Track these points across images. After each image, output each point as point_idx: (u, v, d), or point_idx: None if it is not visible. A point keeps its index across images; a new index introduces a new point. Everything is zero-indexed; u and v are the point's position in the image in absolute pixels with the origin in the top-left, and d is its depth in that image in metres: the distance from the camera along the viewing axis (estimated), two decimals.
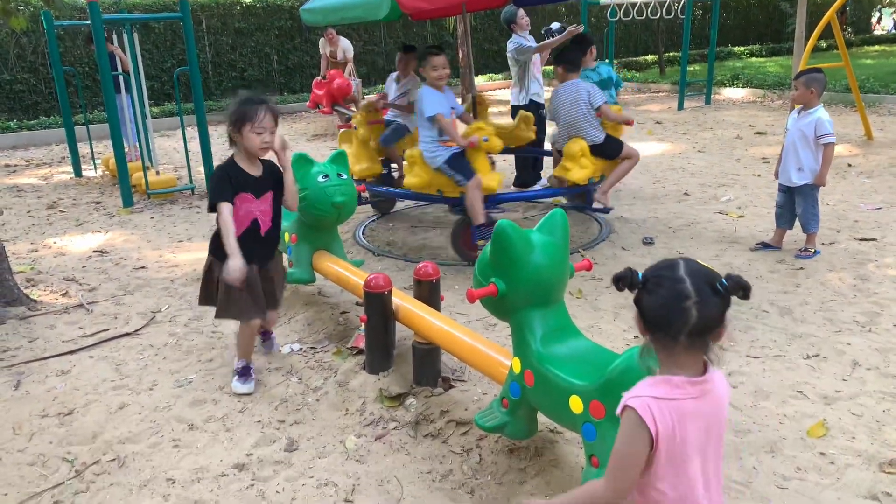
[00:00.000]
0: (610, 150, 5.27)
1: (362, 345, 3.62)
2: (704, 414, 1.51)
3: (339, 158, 4.01)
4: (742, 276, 1.49)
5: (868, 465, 2.62)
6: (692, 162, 8.20)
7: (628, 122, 5.37)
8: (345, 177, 3.93)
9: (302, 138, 11.38)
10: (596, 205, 5.59)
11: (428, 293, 3.42)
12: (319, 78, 11.18)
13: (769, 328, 3.81)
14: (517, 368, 2.45)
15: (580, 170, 5.10)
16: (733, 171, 7.65)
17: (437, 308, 3.46)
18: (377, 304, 3.28)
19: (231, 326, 4.08)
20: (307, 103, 11.62)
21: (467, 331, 3.03)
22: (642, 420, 1.46)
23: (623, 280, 1.53)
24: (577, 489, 1.69)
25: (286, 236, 4.14)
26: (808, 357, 3.47)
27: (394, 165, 6.33)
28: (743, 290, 1.47)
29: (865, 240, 5.22)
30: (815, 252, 4.89)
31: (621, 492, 1.51)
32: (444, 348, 3.07)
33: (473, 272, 2.58)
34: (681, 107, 12.35)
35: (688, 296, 1.45)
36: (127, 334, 4.00)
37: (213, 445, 2.91)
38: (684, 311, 1.44)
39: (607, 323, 3.97)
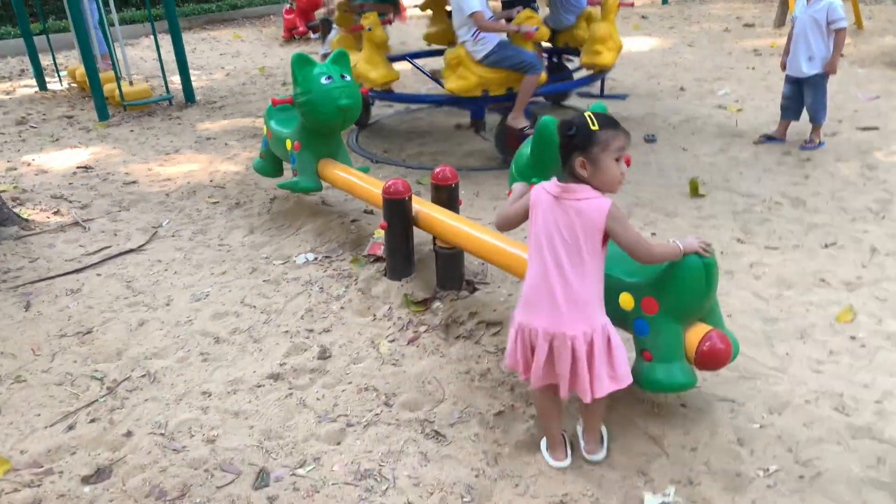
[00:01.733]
0: None
1: (380, 251, 3.55)
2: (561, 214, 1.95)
3: (341, 59, 3.80)
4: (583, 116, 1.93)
5: None
6: (684, 56, 8.03)
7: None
8: (348, 78, 3.74)
9: (275, 43, 10.88)
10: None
11: (447, 197, 3.33)
12: (287, 6, 10.76)
13: (784, 219, 3.81)
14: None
15: (608, 52, 4.96)
16: (727, 65, 7.51)
17: (457, 212, 3.39)
18: (398, 210, 3.19)
19: (238, 238, 3.97)
20: (282, 33, 11.09)
21: (491, 232, 2.97)
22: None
23: (561, 128, 1.96)
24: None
25: (288, 143, 3.98)
26: (826, 246, 3.49)
27: None
28: (577, 128, 1.91)
29: (868, 129, 5.20)
30: (820, 143, 4.87)
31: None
32: (470, 251, 3.01)
33: (509, 171, 2.49)
34: (665, 0, 11.99)
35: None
36: (131, 250, 3.87)
37: (242, 357, 2.87)
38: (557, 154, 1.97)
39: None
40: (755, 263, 3.36)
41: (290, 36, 10.83)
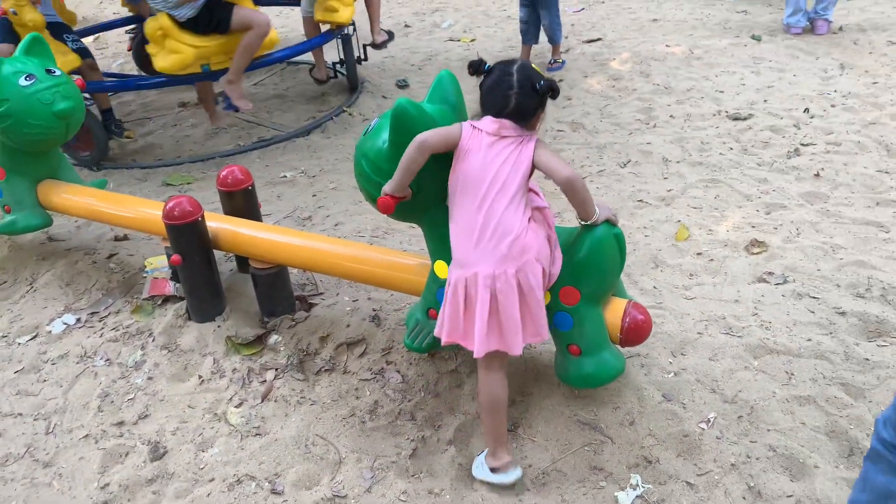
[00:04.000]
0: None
1: (168, 290, 2.81)
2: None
3: (37, 47, 2.83)
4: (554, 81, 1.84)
5: (737, 252, 2.80)
6: None
7: None
8: (57, 72, 2.80)
9: None
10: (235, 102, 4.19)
11: (244, 204, 2.70)
12: None
13: (576, 146, 3.82)
14: (443, 273, 2.00)
15: (345, 7, 4.42)
16: None
17: (259, 219, 2.78)
18: (191, 237, 2.48)
19: None
20: None
21: (320, 236, 2.47)
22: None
23: (472, 66, 1.87)
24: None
25: None
26: (624, 165, 3.57)
27: None
28: (552, 91, 1.83)
29: (592, 41, 5.48)
30: (563, 62, 5.00)
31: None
32: (301, 267, 2.48)
33: (359, 171, 1.99)
34: None
35: (511, 86, 1.81)
36: None
37: (38, 497, 2.05)
38: (506, 97, 1.81)
39: None
40: None
41: None
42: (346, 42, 4.68)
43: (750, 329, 2.38)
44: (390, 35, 4.93)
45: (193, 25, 3.83)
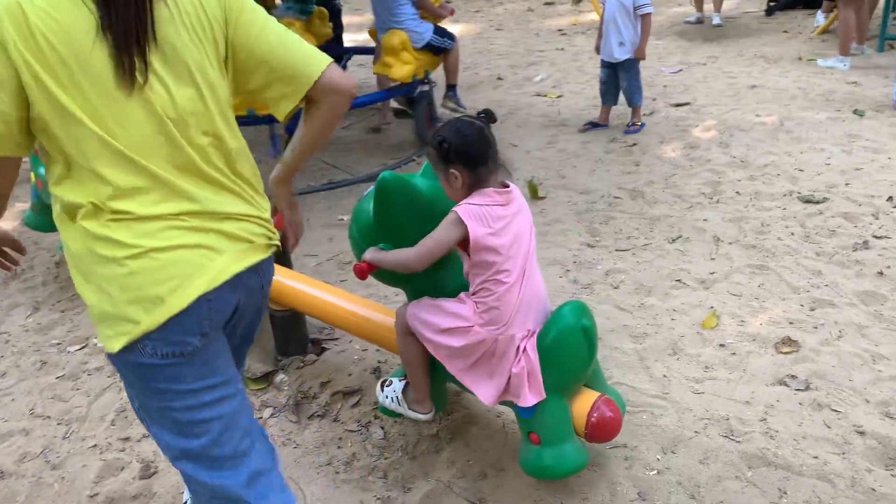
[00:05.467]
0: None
1: None
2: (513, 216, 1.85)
3: None
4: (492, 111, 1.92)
5: (765, 349, 2.63)
6: (495, 42, 7.96)
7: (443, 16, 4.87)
8: None
9: None
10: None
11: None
12: None
13: (627, 215, 3.74)
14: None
15: (403, 65, 4.59)
16: (537, 48, 7.53)
17: (289, 264, 2.93)
18: None
19: (18, 321, 3.21)
20: None
21: (340, 291, 2.56)
22: (461, 219, 1.76)
23: (431, 142, 1.83)
24: (393, 252, 1.91)
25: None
26: (673, 241, 3.45)
27: None
28: (488, 115, 1.89)
29: (680, 105, 5.36)
30: (642, 125, 4.92)
31: (422, 262, 1.86)
32: (317, 317, 2.58)
33: (350, 233, 2.08)
34: None
35: (481, 128, 1.82)
36: None
37: (39, 494, 2.24)
38: (486, 141, 1.82)
39: None
40: (611, 271, 3.23)
41: None
42: (418, 100, 4.79)
43: (752, 435, 2.23)
44: (404, 113, 5.11)
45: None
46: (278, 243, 1.55)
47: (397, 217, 1.91)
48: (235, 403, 1.47)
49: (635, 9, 4.58)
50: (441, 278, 1.99)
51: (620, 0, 4.59)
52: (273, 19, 1.47)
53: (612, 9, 4.65)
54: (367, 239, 1.98)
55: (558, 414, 1.88)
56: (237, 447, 1.45)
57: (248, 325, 1.61)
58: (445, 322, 1.88)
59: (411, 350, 2.02)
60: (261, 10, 1.46)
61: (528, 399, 1.84)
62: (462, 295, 1.91)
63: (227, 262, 1.38)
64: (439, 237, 1.81)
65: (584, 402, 1.92)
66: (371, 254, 1.90)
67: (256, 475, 1.48)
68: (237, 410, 1.47)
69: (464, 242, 1.80)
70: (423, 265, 1.86)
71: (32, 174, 3.50)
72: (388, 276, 2.01)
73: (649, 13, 4.60)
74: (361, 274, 1.92)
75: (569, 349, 1.84)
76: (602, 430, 1.90)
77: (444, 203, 1.93)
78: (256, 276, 1.48)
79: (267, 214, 1.51)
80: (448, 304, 1.91)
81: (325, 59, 1.46)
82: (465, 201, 1.81)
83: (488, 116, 1.89)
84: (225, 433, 1.43)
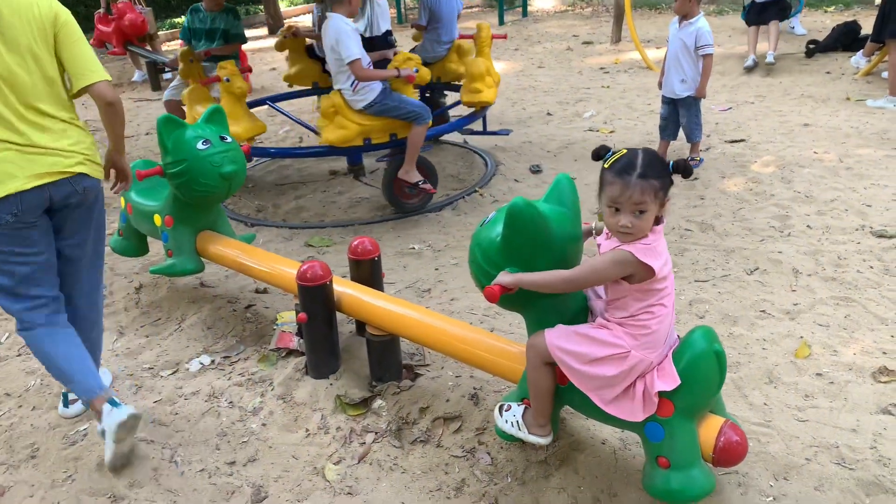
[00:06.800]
0: None
1: (292, 344, 3.06)
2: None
3: (217, 116, 3.26)
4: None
5: (863, 378, 2.63)
6: (538, 79, 8.10)
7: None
8: (229, 140, 3.22)
9: None
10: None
11: (369, 273, 2.93)
12: (102, 11, 9.48)
13: (701, 247, 3.77)
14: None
15: (488, 89, 4.73)
16: (583, 86, 7.66)
17: (381, 289, 2.99)
18: (318, 298, 2.73)
19: (107, 345, 3.29)
20: (91, 41, 9.88)
21: (431, 312, 2.61)
22: (639, 261, 1.81)
23: (596, 152, 2.00)
24: (539, 274, 1.94)
25: (156, 219, 3.38)
26: (751, 272, 3.47)
27: None
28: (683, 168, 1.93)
29: (735, 141, 5.41)
30: (700, 160, 4.98)
31: (571, 288, 1.95)
32: (414, 340, 2.63)
33: (472, 258, 2.12)
34: (501, 22, 12.23)
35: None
36: None
37: None
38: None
39: None
40: (694, 301, 3.25)
41: (102, 45, 9.50)
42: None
43: (865, 463, 2.23)
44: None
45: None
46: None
47: (525, 242, 1.95)
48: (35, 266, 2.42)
49: (697, 48, 4.67)
50: (566, 300, 2.04)
51: (682, 38, 4.69)
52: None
53: (674, 47, 4.75)
54: (493, 264, 2.02)
55: (688, 438, 1.90)
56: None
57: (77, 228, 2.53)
58: (599, 351, 1.91)
59: (546, 380, 2.04)
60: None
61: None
62: (601, 321, 1.95)
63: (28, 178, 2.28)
64: (604, 272, 1.86)
65: (710, 427, 1.93)
66: (507, 277, 1.93)
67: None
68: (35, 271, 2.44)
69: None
70: (571, 290, 1.95)
71: (122, 199, 3.62)
72: (512, 300, 2.05)
73: (710, 53, 4.69)
74: (492, 297, 1.96)
75: (702, 373, 1.87)
76: (729, 454, 1.91)
77: (566, 228, 1.99)
78: (68, 184, 2.39)
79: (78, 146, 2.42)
80: (594, 332, 1.94)
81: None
82: (641, 242, 1.84)
83: (683, 170, 1.93)
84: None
